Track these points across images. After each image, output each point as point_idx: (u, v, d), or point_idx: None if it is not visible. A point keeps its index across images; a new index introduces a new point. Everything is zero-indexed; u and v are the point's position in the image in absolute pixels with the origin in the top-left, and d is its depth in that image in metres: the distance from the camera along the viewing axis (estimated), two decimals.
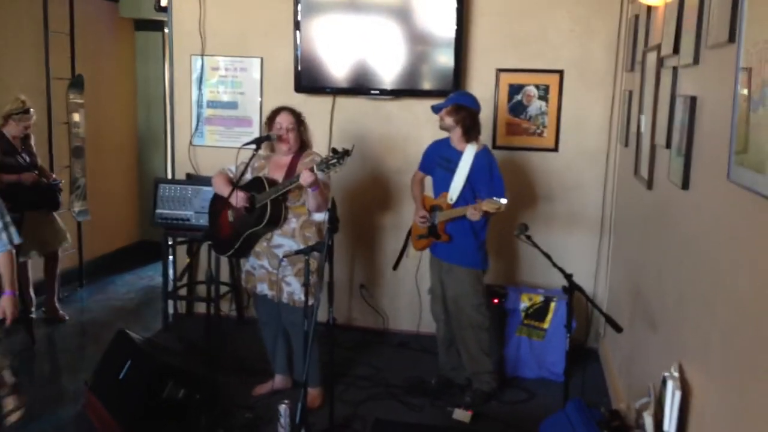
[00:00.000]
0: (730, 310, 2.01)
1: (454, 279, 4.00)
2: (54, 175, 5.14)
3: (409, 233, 4.29)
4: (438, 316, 4.21)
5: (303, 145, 3.86)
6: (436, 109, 3.95)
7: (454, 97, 3.97)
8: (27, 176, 4.80)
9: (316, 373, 3.94)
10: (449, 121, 3.89)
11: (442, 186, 4.00)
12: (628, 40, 4.41)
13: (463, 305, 3.99)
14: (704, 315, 2.27)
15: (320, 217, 3.75)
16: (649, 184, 3.34)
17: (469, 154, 3.88)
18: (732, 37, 2.07)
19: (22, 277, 4.91)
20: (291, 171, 3.72)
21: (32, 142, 5.00)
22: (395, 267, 4.39)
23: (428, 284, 4.31)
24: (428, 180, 4.23)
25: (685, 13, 2.75)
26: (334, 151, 3.32)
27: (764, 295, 1.75)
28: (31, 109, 4.84)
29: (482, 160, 3.88)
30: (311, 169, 3.40)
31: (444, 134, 4.04)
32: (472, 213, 3.67)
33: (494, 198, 3.62)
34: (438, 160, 4.05)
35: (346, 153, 3.30)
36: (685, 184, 2.58)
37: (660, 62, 3.20)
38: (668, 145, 2.89)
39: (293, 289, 3.76)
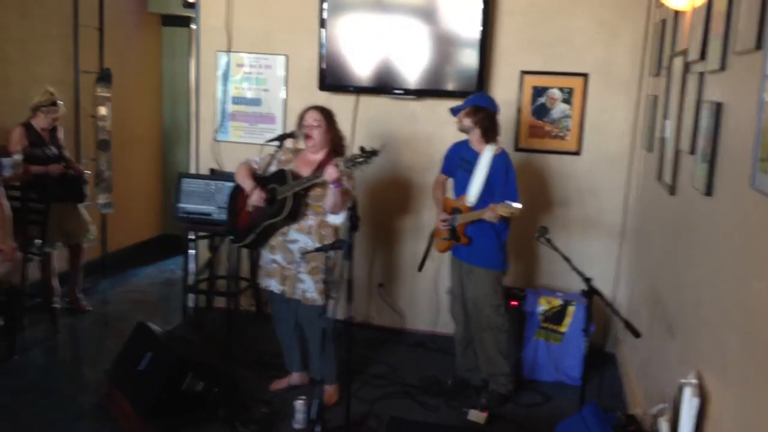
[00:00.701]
0: (749, 317, 2.00)
1: (475, 280, 4.01)
2: (81, 167, 5.20)
3: (433, 235, 4.30)
4: (457, 317, 4.21)
5: (335, 147, 3.85)
6: (454, 112, 3.96)
7: (472, 98, 3.98)
8: (54, 168, 4.87)
9: (333, 370, 3.96)
10: (468, 122, 3.90)
11: (461, 188, 4.01)
12: (654, 44, 4.38)
13: (483, 306, 4.00)
14: (723, 322, 2.26)
15: (334, 220, 3.76)
16: (672, 190, 3.33)
17: (487, 155, 3.89)
18: (759, 43, 2.06)
19: (47, 268, 4.99)
20: (318, 169, 3.73)
21: (60, 134, 5.07)
22: (420, 269, 4.39)
23: (447, 285, 4.32)
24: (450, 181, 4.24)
25: (712, 19, 2.73)
26: (362, 149, 3.35)
27: None
28: (60, 102, 4.92)
29: (499, 162, 3.89)
30: (337, 165, 3.43)
31: (465, 136, 4.05)
32: (490, 216, 3.67)
33: (507, 201, 3.62)
34: (458, 162, 4.06)
35: (374, 153, 3.33)
36: (709, 191, 2.56)
37: (686, 67, 3.18)
38: (692, 151, 2.87)
39: (306, 286, 3.77)
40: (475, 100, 3.94)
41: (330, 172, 3.44)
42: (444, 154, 4.23)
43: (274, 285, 3.88)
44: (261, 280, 3.97)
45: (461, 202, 3.97)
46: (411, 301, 5.19)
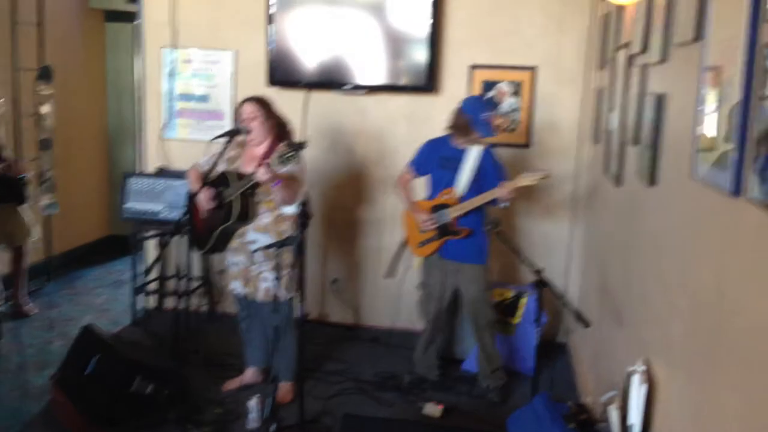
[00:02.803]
0: (694, 306, 2.04)
1: (470, 279, 3.96)
2: (22, 168, 5.04)
3: (404, 243, 4.22)
4: (428, 315, 4.15)
5: (279, 135, 3.79)
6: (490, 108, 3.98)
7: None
8: None
9: (289, 367, 3.93)
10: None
11: (442, 184, 3.95)
12: (599, 37, 4.44)
13: (482, 305, 3.99)
14: (669, 311, 2.30)
15: (290, 210, 3.72)
16: (618, 181, 3.38)
17: (475, 151, 3.88)
18: (698, 35, 2.10)
19: None
20: (258, 167, 3.68)
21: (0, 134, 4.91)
22: (390, 275, 4.34)
23: (419, 280, 4.25)
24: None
25: (653, 12, 2.78)
26: (289, 144, 3.31)
27: (725, 290, 1.78)
28: None
29: (489, 156, 3.90)
30: (267, 165, 3.37)
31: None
32: (502, 193, 3.67)
33: (526, 173, 3.64)
34: (437, 161, 3.99)
35: (300, 146, 3.30)
36: (652, 181, 2.61)
37: (629, 60, 3.23)
38: (636, 142, 2.92)
39: (270, 284, 3.73)
40: None
41: (261, 174, 3.39)
42: (417, 151, 4.12)
43: (238, 287, 3.86)
44: (227, 282, 3.95)
45: (447, 196, 3.91)
46: (366, 296, 5.17)
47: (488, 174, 3.87)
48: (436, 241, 3.98)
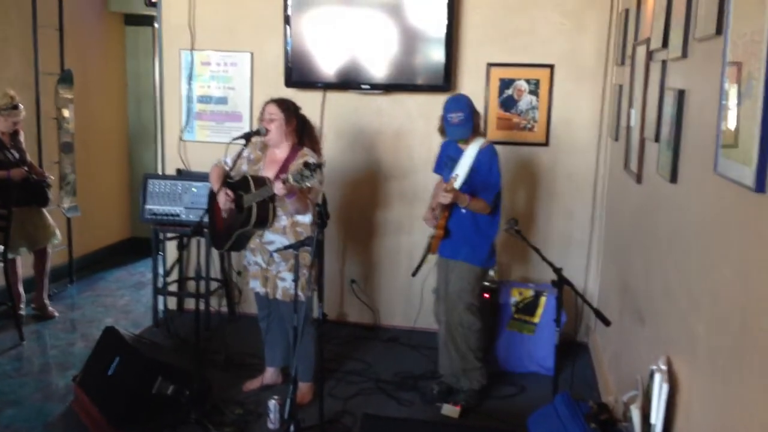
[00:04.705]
0: (716, 303, 2.01)
1: (456, 275, 3.93)
2: (45, 172, 5.10)
3: (431, 243, 4.18)
4: (440, 317, 4.10)
5: (300, 140, 3.79)
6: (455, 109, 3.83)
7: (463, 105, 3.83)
8: (16, 172, 4.76)
9: (309, 368, 3.93)
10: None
11: None
12: (619, 34, 4.41)
13: (457, 303, 3.93)
14: (691, 309, 2.27)
15: (303, 218, 3.72)
16: (639, 178, 3.35)
17: (471, 149, 3.82)
18: (719, 29, 2.07)
19: (11, 274, 4.89)
20: (283, 169, 3.68)
21: (21, 138, 4.96)
22: (414, 273, 4.26)
23: (434, 285, 4.23)
24: None
25: (674, 6, 2.75)
26: (306, 165, 3.27)
27: (749, 288, 1.75)
28: (20, 105, 4.81)
29: (484, 155, 3.81)
30: (284, 180, 3.36)
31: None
32: (444, 196, 3.62)
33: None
34: (445, 161, 3.99)
35: (319, 166, 3.28)
36: (674, 178, 2.58)
37: (649, 56, 3.20)
38: (657, 139, 2.89)
39: (288, 284, 3.74)
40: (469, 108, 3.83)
41: (278, 189, 3.38)
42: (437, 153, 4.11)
43: (257, 286, 3.88)
44: (247, 281, 3.99)
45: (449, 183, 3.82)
46: (385, 296, 5.17)
47: (479, 173, 3.80)
48: (434, 238, 3.93)
